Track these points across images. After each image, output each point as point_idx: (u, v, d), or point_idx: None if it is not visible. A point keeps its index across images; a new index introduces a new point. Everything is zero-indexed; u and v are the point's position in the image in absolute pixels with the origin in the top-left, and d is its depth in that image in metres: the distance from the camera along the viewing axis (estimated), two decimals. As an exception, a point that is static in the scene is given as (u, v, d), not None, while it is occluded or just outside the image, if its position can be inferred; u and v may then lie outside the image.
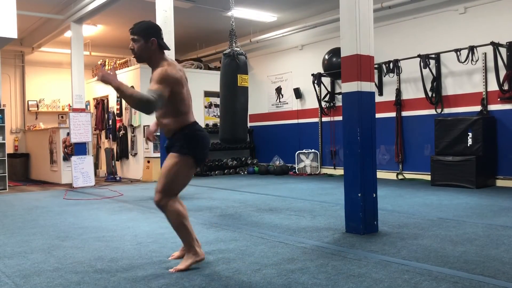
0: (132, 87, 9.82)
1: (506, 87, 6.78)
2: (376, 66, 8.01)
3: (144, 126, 9.79)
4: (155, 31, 2.92)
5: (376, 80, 8.00)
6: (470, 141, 6.72)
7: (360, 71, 3.83)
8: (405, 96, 8.28)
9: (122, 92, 2.56)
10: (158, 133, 3.30)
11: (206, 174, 10.35)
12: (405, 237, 3.63)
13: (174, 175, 2.85)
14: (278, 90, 10.86)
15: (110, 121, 10.80)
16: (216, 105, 10.97)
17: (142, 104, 2.57)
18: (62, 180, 9.29)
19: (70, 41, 9.12)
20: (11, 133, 11.27)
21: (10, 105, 11.33)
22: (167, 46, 2.95)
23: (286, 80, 10.65)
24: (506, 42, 6.75)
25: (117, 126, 10.61)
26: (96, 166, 10.97)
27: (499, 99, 6.91)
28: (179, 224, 2.86)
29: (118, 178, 9.75)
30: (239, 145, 10.36)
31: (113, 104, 10.80)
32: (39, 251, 3.48)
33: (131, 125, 10.11)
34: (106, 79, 2.55)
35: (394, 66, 8.10)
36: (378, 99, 7.36)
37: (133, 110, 10.00)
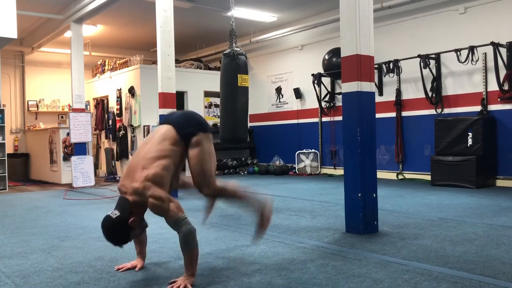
0: (132, 87, 9.85)
1: (506, 87, 6.77)
2: (376, 66, 8.01)
3: (144, 126, 9.79)
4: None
5: (376, 80, 8.00)
6: (470, 141, 6.72)
7: (360, 71, 3.83)
8: (405, 96, 8.28)
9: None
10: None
11: (206, 174, 10.33)
12: (405, 237, 3.63)
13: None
14: (278, 90, 10.86)
15: (110, 121, 10.80)
16: (216, 105, 10.97)
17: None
18: (62, 180, 9.29)
19: (70, 41, 9.12)
20: (11, 133, 11.27)
21: (10, 105, 11.33)
22: None
23: (286, 80, 10.65)
24: (506, 42, 6.75)
25: (117, 126, 10.61)
26: (96, 166, 10.97)
27: (499, 99, 6.91)
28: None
29: (118, 178, 9.75)
30: (239, 145, 10.36)
31: (113, 104, 10.80)
32: (39, 251, 3.48)
33: (131, 125, 10.11)
34: None
35: (394, 66, 8.10)
36: (378, 99, 7.36)
37: (133, 110, 10.01)
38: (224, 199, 2.90)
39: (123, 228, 2.58)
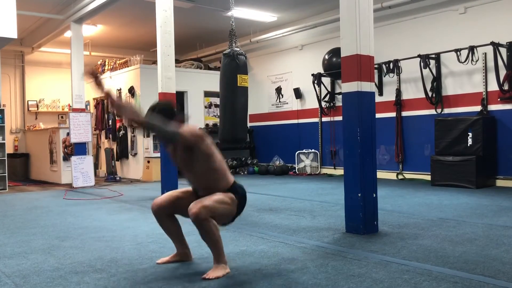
0: (132, 87, 9.85)
1: (506, 87, 6.77)
2: (376, 66, 8.01)
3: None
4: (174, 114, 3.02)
5: (376, 80, 8.00)
6: (470, 141, 6.72)
7: (360, 71, 3.83)
8: (405, 96, 8.28)
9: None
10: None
11: (206, 174, 10.33)
12: (405, 237, 3.63)
13: (220, 204, 2.79)
14: (278, 90, 10.86)
15: (110, 121, 10.79)
16: (216, 105, 10.96)
17: (157, 129, 2.87)
18: (62, 180, 9.29)
19: (70, 41, 9.12)
20: (11, 133, 11.27)
21: (10, 105, 11.32)
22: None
23: (286, 80, 10.65)
24: (506, 42, 6.75)
25: (117, 126, 10.60)
26: (96, 166, 10.96)
27: (499, 99, 6.91)
28: (218, 237, 2.77)
29: (118, 178, 9.75)
30: (239, 145, 10.36)
31: (113, 104, 10.78)
32: (39, 251, 3.48)
33: (131, 125, 10.11)
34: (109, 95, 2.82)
35: (394, 66, 8.10)
36: (378, 99, 7.35)
37: (133, 110, 9.99)
38: (204, 230, 2.76)
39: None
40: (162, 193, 6.44)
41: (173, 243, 3.13)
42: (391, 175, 8.41)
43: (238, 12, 8.82)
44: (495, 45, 6.70)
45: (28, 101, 11.64)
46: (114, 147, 10.61)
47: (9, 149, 10.31)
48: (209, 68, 11.43)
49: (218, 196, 2.80)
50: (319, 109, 9.67)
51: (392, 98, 8.37)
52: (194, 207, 2.69)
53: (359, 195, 3.79)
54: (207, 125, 10.85)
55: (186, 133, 2.78)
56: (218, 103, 5.98)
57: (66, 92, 11.35)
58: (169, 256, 3.12)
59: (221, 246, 2.79)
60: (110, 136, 10.79)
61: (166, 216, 3.04)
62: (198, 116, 10.77)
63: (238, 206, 2.90)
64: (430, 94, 7.67)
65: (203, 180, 2.90)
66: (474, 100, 7.25)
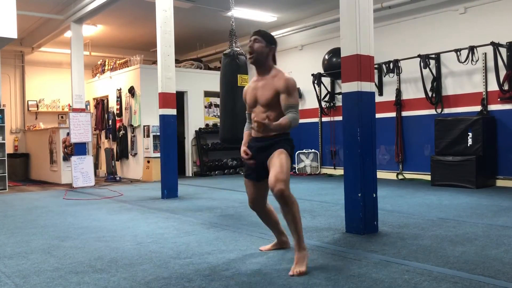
0: (132, 87, 9.85)
1: (506, 87, 6.77)
2: (376, 66, 8.01)
3: (144, 126, 9.79)
4: (276, 43, 3.15)
5: (376, 80, 8.00)
6: (470, 141, 6.72)
7: (360, 71, 3.83)
8: (405, 96, 8.28)
9: (283, 128, 2.96)
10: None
11: (206, 174, 10.35)
12: (405, 237, 3.63)
13: (287, 168, 2.91)
14: (278, 90, 10.84)
15: (110, 121, 10.80)
16: (216, 105, 10.97)
17: (295, 124, 3.02)
18: (62, 180, 9.29)
19: (70, 41, 9.12)
20: (11, 133, 11.27)
21: (10, 105, 11.33)
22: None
23: (286, 80, 10.63)
24: (506, 42, 6.75)
25: (117, 126, 10.61)
26: (96, 166, 10.97)
27: (499, 99, 6.91)
28: (299, 215, 2.88)
29: (118, 178, 9.75)
30: (238, 145, 10.31)
31: (113, 104, 10.80)
32: (39, 251, 3.48)
33: (131, 125, 10.11)
34: (268, 129, 2.87)
35: (394, 66, 8.10)
36: (378, 99, 7.35)
37: (133, 110, 10.01)
38: (286, 208, 2.84)
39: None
40: (162, 193, 6.47)
41: (272, 232, 3.35)
42: (391, 175, 8.41)
43: (238, 12, 8.83)
44: (495, 45, 6.70)
45: (28, 101, 11.64)
46: (114, 147, 10.62)
47: (9, 149, 10.32)
48: (209, 68, 11.43)
49: (284, 161, 2.90)
50: (319, 109, 9.67)
51: (392, 98, 8.37)
52: (276, 183, 2.78)
53: (359, 195, 3.79)
54: (207, 125, 10.85)
55: (297, 99, 3.08)
56: (218, 103, 5.98)
57: (66, 92, 11.36)
58: (270, 245, 3.35)
59: (301, 226, 2.88)
60: (110, 136, 10.80)
61: (262, 209, 3.25)
62: (198, 116, 10.78)
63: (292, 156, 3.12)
64: (430, 94, 7.67)
65: (277, 119, 3.03)
66: (474, 100, 7.25)
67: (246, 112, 3.38)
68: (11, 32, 6.59)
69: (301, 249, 2.83)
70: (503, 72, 6.75)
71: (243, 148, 3.21)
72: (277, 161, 2.89)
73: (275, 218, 3.30)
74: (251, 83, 3.24)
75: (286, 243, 3.34)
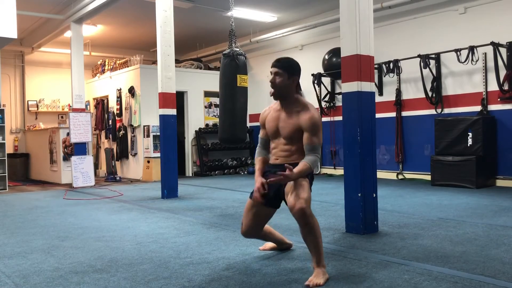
0: (132, 87, 9.85)
1: (506, 87, 6.77)
2: (376, 66, 8.01)
3: (144, 126, 9.79)
4: (298, 70, 3.02)
5: (376, 80, 8.00)
6: (470, 141, 6.72)
7: (360, 71, 3.83)
8: (405, 96, 8.28)
9: (304, 174, 2.74)
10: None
11: (206, 174, 10.35)
12: (405, 237, 3.63)
13: (309, 190, 2.78)
14: (278, 90, 10.84)
15: (110, 121, 10.80)
16: (216, 105, 10.97)
17: (315, 167, 2.82)
18: (62, 180, 9.29)
19: (70, 41, 9.12)
20: (11, 133, 11.27)
21: (10, 105, 11.33)
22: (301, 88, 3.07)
23: (286, 80, 10.63)
24: (506, 42, 6.75)
25: (117, 126, 10.61)
26: (96, 166, 10.97)
27: (499, 99, 6.91)
28: (320, 235, 2.75)
29: (118, 178, 9.75)
30: (238, 145, 10.36)
31: (113, 104, 10.80)
32: (39, 251, 3.48)
33: (131, 125, 10.11)
34: (289, 180, 2.67)
35: (394, 66, 8.10)
36: (378, 99, 7.36)
37: (133, 110, 10.01)
38: (306, 227, 2.72)
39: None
40: (162, 193, 6.47)
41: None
42: (391, 175, 8.41)
43: (238, 12, 8.83)
44: (495, 45, 6.70)
45: (28, 101, 11.64)
46: (114, 147, 10.61)
47: (9, 149, 10.32)
48: (209, 68, 11.43)
49: (305, 183, 2.75)
50: (319, 109, 9.67)
51: (392, 98, 8.37)
52: (296, 202, 2.63)
53: (359, 195, 3.79)
54: (207, 125, 10.86)
55: (320, 139, 2.92)
56: (218, 103, 5.98)
57: (66, 92, 11.36)
58: (270, 245, 3.29)
59: (322, 245, 2.72)
60: (110, 136, 10.80)
61: (256, 236, 3.14)
62: (198, 116, 10.78)
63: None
64: (430, 94, 7.67)
65: (292, 153, 2.92)
66: (474, 100, 7.25)
67: (261, 137, 3.12)
68: (11, 32, 6.59)
69: (321, 266, 2.66)
70: (503, 72, 6.75)
71: (262, 180, 2.84)
72: (297, 183, 2.74)
73: (277, 237, 3.22)
74: (272, 111, 3.10)
75: (288, 245, 3.30)
